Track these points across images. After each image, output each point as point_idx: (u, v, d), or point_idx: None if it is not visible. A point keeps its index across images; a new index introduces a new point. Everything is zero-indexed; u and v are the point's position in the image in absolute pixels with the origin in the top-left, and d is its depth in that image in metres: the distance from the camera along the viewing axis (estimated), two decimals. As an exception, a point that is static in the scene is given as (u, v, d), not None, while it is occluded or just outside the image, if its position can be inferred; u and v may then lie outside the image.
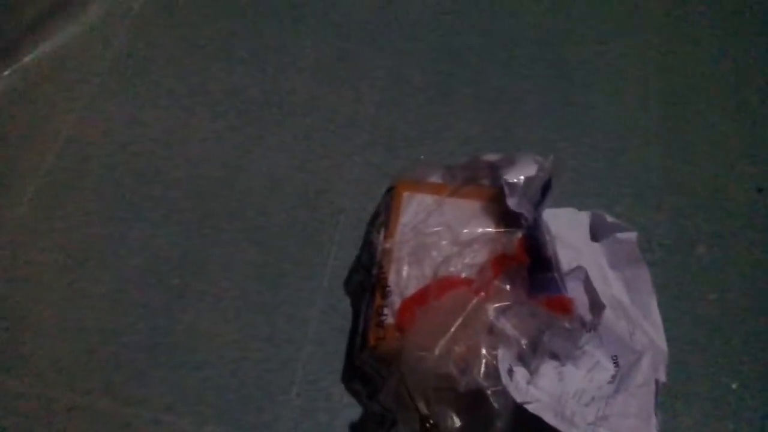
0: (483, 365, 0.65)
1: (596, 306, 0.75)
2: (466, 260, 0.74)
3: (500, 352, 0.66)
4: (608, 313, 0.75)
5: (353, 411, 0.76)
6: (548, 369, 0.71)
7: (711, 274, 0.87)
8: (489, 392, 0.64)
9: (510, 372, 0.66)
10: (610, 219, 0.84)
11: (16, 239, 0.85)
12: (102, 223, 0.86)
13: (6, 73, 0.97)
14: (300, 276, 0.84)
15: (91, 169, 0.91)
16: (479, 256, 0.74)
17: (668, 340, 0.78)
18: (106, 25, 1.04)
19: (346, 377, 0.78)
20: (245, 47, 1.04)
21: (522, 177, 0.78)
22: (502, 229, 0.77)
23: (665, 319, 0.79)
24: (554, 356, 0.72)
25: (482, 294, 0.68)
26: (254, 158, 0.93)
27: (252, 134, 0.95)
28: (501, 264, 0.72)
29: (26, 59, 0.98)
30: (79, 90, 0.97)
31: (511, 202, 0.77)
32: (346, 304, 0.83)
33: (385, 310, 0.73)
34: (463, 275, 0.73)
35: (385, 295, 0.75)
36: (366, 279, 0.80)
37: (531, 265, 0.75)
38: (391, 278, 0.75)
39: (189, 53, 1.03)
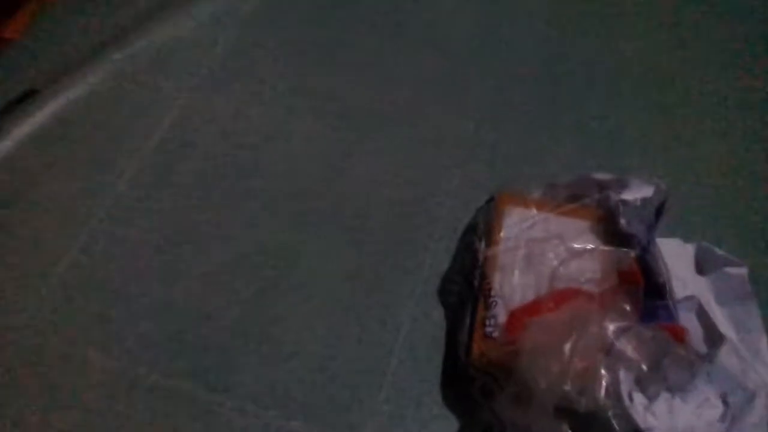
0: (603, 386, 0.62)
1: (713, 338, 0.71)
2: (581, 268, 0.71)
3: (622, 374, 0.63)
4: (722, 348, 0.71)
5: (444, 423, 0.72)
6: (661, 400, 0.67)
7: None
8: (610, 414, 0.60)
9: (630, 396, 0.63)
10: (719, 252, 0.80)
11: (113, 214, 0.85)
12: (200, 209, 0.86)
13: (117, 56, 0.99)
14: (393, 281, 0.82)
15: (192, 155, 0.91)
16: (595, 267, 0.71)
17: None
18: (214, 24, 1.06)
19: (439, 388, 0.74)
20: (346, 56, 1.05)
21: (638, 197, 0.76)
22: (615, 248, 0.74)
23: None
24: (667, 387, 0.68)
25: (603, 310, 0.65)
26: (353, 161, 0.92)
27: (352, 138, 0.94)
28: (619, 281, 0.69)
29: (137, 45, 1.00)
30: (186, 80, 0.98)
31: (623, 223, 0.75)
32: (439, 313, 0.80)
33: (490, 321, 0.71)
34: (579, 281, 0.70)
35: (488, 306, 0.72)
36: (465, 289, 0.78)
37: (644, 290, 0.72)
38: (496, 287, 0.73)
39: (292, 57, 1.04)
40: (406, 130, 0.96)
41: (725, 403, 0.70)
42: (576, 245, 0.74)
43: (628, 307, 0.68)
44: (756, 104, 1.04)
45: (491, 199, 0.84)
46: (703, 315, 0.73)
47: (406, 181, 0.91)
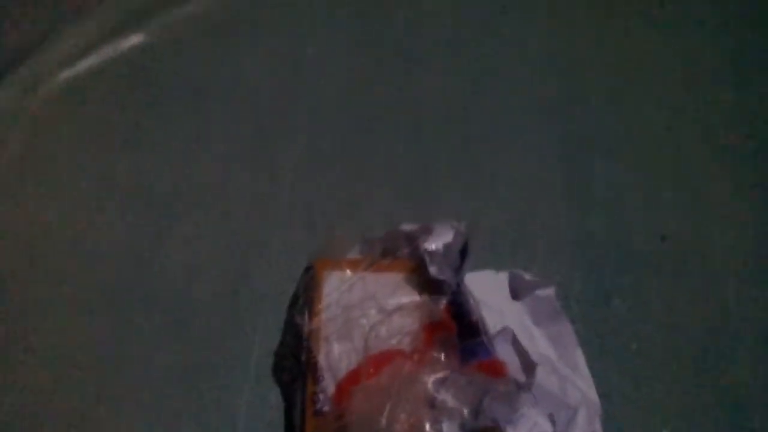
0: (429, 443, 0.64)
1: (528, 365, 0.76)
2: (394, 327, 0.73)
3: (445, 426, 0.65)
4: (540, 371, 0.76)
5: None
6: (491, 437, 0.71)
7: (629, 325, 0.88)
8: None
9: (456, 446, 0.65)
10: (527, 277, 0.85)
11: None
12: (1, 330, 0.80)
13: None
14: (225, 367, 0.81)
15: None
16: (407, 323, 0.74)
17: (598, 395, 0.78)
18: (1, 123, 1.00)
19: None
20: (152, 137, 1.01)
21: (441, 244, 0.79)
22: (427, 297, 0.77)
23: (591, 375, 0.80)
24: (495, 422, 0.72)
25: (417, 366, 0.67)
26: (168, 249, 0.90)
27: (165, 224, 0.92)
28: (431, 332, 0.72)
29: None
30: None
31: (433, 270, 0.78)
32: (276, 394, 0.79)
33: (320, 396, 0.71)
34: (393, 341, 0.72)
35: (317, 380, 0.73)
36: (295, 365, 0.78)
37: (459, 331, 0.75)
38: (322, 361, 0.74)
39: (93, 149, 0.99)
40: (220, 204, 0.95)
41: (553, 422, 0.75)
42: (390, 301, 0.77)
43: (443, 357, 0.70)
44: (546, 123, 1.09)
45: (310, 267, 0.85)
46: (516, 344, 0.78)
47: (225, 258, 0.90)
